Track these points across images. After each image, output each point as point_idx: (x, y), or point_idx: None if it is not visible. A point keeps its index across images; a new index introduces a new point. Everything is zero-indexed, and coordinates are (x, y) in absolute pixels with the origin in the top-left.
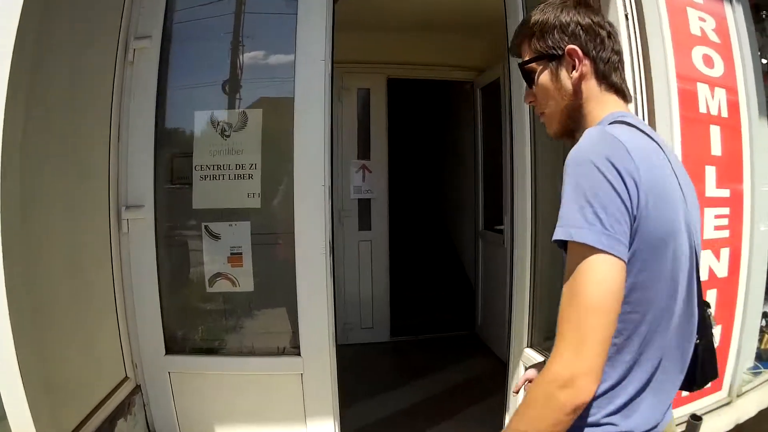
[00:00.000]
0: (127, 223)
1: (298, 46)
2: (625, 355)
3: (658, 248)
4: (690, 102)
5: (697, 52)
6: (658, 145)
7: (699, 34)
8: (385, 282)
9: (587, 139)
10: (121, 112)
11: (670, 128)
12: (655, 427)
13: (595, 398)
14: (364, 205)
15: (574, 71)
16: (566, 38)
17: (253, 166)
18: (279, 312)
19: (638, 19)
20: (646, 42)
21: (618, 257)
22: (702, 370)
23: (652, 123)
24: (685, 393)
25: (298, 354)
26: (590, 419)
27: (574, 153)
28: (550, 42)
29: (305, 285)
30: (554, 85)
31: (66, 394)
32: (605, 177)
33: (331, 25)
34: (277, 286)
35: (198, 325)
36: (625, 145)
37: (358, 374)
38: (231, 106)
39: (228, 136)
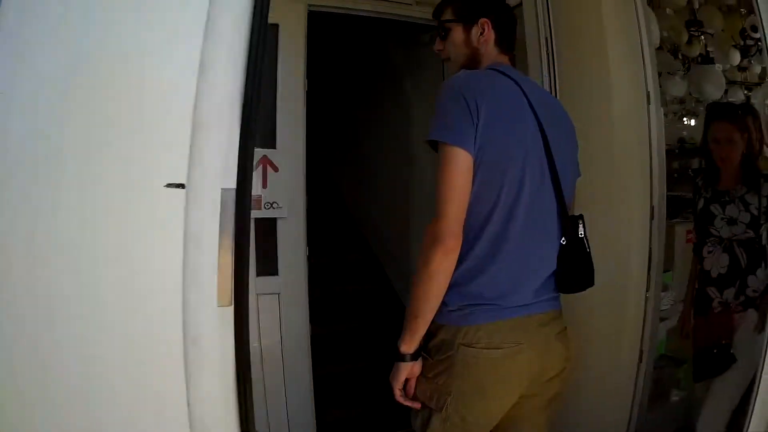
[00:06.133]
0: None
1: None
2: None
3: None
4: None
5: None
6: (519, 86)
7: None
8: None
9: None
10: None
11: None
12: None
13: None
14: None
15: (482, 35)
16: (483, 11)
17: None
18: None
19: None
20: None
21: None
22: (571, 271)
23: None
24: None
25: None
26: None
27: (445, 83)
28: (470, 10)
29: None
30: (464, 41)
31: None
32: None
33: None
34: None
35: None
36: (478, 80)
37: None
38: None
39: None
